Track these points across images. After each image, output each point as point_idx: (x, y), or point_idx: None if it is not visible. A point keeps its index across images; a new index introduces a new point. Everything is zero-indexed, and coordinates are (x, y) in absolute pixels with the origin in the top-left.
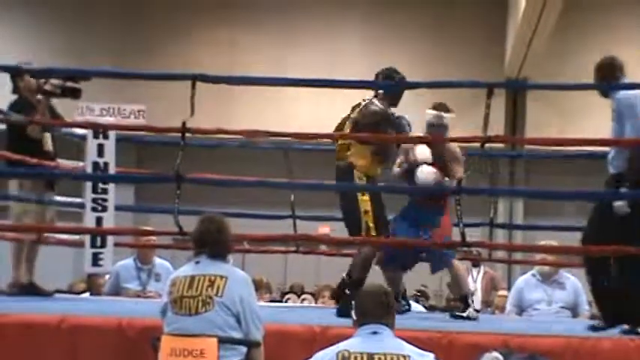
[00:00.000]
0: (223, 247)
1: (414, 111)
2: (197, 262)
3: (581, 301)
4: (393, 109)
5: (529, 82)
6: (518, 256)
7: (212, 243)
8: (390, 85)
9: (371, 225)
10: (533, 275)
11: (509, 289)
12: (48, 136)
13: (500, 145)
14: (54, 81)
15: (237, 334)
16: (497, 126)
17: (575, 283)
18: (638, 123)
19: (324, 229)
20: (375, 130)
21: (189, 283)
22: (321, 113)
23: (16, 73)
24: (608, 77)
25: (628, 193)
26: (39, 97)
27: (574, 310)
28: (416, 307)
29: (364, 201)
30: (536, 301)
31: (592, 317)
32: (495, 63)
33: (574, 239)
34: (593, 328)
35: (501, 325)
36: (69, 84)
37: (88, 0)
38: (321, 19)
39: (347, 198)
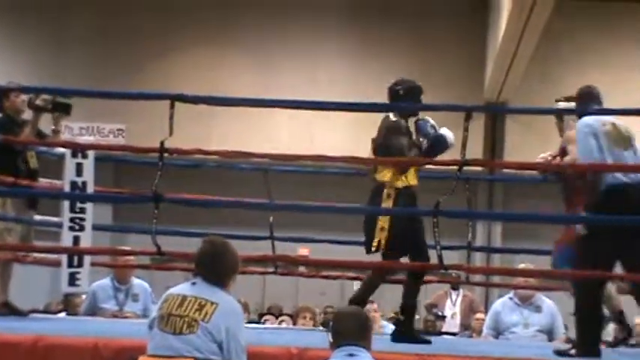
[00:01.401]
0: (218, 273)
1: None
2: (193, 283)
3: (557, 325)
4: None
5: (508, 106)
6: (496, 279)
7: (206, 267)
8: (366, 106)
9: (383, 242)
10: (511, 298)
11: (487, 312)
12: (33, 154)
13: (479, 168)
14: (45, 96)
15: (217, 358)
16: (476, 149)
17: (551, 306)
18: (580, 149)
19: (303, 250)
20: (388, 142)
21: (180, 303)
22: (301, 134)
23: (1, 92)
24: (583, 104)
25: (605, 218)
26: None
27: (550, 334)
28: (386, 327)
29: (383, 218)
30: (513, 324)
31: (568, 341)
32: (475, 86)
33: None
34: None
35: (478, 348)
36: (60, 99)
37: (66, 19)
38: (301, 40)
39: (367, 215)
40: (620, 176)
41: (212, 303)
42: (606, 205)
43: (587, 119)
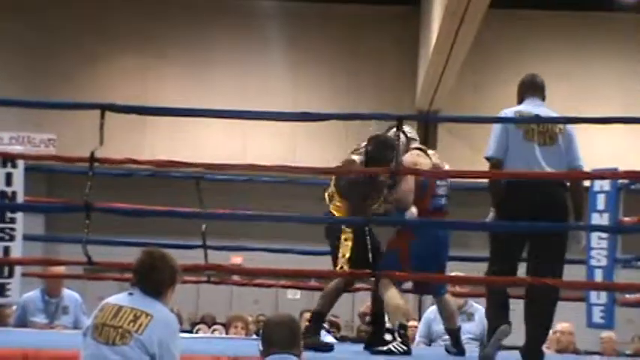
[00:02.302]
0: (155, 284)
1: (328, 143)
2: (130, 294)
3: None
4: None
5: (439, 115)
6: None
7: (144, 278)
8: (298, 115)
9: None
10: None
11: (420, 319)
12: None
13: None
14: None
15: None
16: None
17: (483, 314)
18: (492, 136)
19: (236, 259)
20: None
21: (115, 313)
22: (233, 143)
23: None
24: (518, 95)
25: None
26: None
27: (482, 342)
28: (327, 337)
29: (345, 246)
30: (445, 332)
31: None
32: (407, 95)
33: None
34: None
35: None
36: None
37: None
38: (232, 48)
39: (331, 239)
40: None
41: (147, 314)
42: (512, 198)
43: (508, 110)
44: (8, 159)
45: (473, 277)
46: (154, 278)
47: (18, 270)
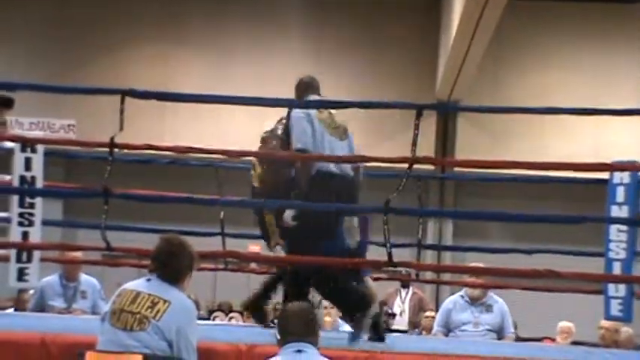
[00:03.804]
0: (173, 271)
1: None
2: (148, 280)
3: (506, 325)
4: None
5: (459, 105)
6: (446, 277)
7: (162, 265)
8: (316, 103)
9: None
10: (462, 297)
11: (437, 310)
12: None
13: (431, 166)
14: None
15: (165, 355)
16: (428, 148)
17: (502, 306)
18: (296, 133)
19: (253, 247)
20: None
21: (133, 299)
22: (254, 130)
23: None
24: (299, 96)
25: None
26: None
27: (499, 333)
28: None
29: (271, 224)
30: (463, 322)
31: (517, 339)
32: (427, 85)
33: (501, 261)
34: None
35: (426, 344)
36: (1, 93)
37: (19, 13)
38: (254, 36)
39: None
40: (330, 165)
41: (165, 301)
42: (315, 191)
43: (299, 110)
44: (28, 144)
45: (493, 269)
46: (172, 265)
47: (37, 255)
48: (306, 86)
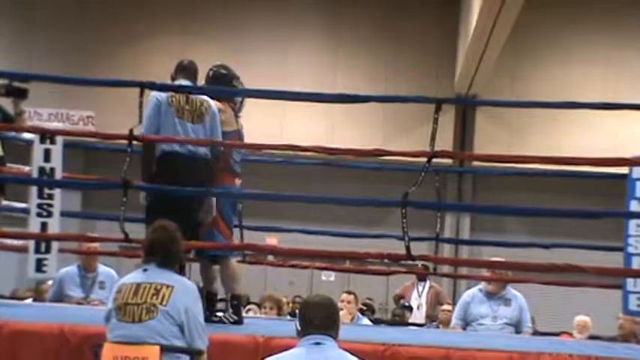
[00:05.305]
0: (173, 256)
1: (366, 125)
2: (145, 270)
3: (524, 319)
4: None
5: (477, 99)
6: (463, 271)
7: (162, 252)
8: (337, 97)
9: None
10: (480, 290)
11: (454, 303)
12: None
13: (449, 161)
14: (0, 81)
15: (180, 343)
16: (446, 142)
17: (520, 300)
18: (145, 116)
19: (271, 240)
20: None
21: (135, 291)
22: (271, 123)
23: None
24: (172, 77)
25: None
26: None
27: (517, 327)
28: (363, 320)
29: None
30: (481, 316)
31: (534, 333)
32: (446, 79)
33: (519, 255)
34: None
35: (444, 337)
36: (15, 84)
37: (39, 5)
38: (272, 29)
39: None
40: (175, 146)
41: (168, 286)
42: (161, 172)
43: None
44: (47, 135)
45: (511, 263)
46: (174, 250)
47: (55, 245)
48: (180, 69)
